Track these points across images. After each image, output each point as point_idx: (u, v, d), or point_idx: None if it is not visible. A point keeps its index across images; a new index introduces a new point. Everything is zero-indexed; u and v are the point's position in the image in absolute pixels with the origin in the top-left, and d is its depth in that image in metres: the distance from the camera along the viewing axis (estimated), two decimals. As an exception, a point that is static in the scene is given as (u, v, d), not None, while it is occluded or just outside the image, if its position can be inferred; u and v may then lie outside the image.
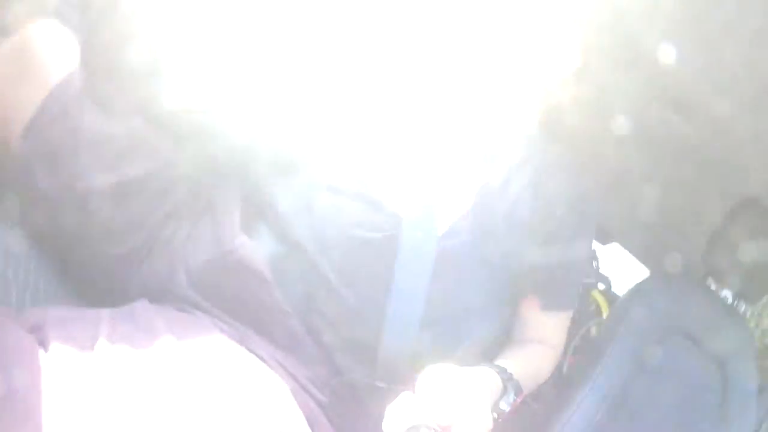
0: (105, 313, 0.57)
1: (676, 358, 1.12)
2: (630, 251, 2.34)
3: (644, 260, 2.17)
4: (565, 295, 0.83)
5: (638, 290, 1.22)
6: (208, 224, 0.71)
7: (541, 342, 0.81)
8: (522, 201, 0.73)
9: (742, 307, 1.38)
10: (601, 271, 2.44)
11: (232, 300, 0.66)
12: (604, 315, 2.18)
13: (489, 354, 0.75)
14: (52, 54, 0.61)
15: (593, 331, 1.37)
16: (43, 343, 0.47)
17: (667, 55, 0.72)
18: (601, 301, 2.28)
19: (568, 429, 0.97)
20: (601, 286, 2.12)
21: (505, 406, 0.62)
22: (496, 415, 0.60)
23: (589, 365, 1.13)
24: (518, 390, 0.64)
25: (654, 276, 1.27)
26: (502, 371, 0.64)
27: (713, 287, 1.23)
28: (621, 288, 2.33)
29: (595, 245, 2.56)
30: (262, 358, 0.61)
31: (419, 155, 0.72)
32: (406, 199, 0.68)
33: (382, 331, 0.65)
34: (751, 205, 1.20)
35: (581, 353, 1.28)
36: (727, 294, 1.24)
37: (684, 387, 1.11)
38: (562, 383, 1.18)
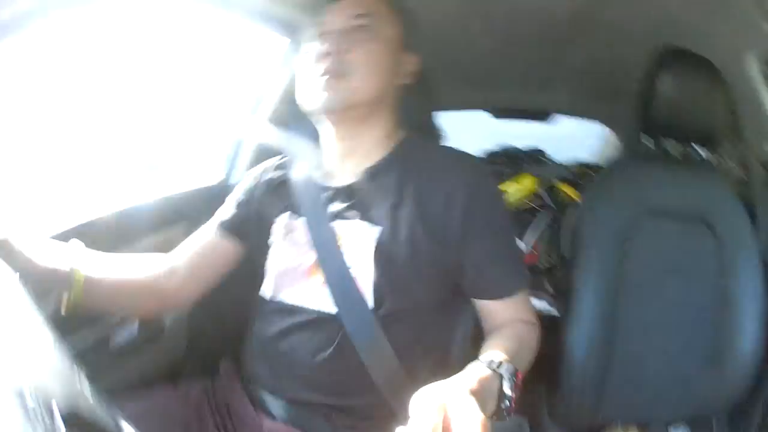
0: None
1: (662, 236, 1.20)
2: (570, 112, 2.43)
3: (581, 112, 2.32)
4: (507, 282, 0.86)
5: (607, 175, 1.32)
6: None
7: (513, 323, 0.84)
8: (415, 231, 0.82)
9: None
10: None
11: None
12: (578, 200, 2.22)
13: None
14: None
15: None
16: None
17: None
18: (571, 192, 2.31)
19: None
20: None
21: (509, 392, 0.63)
22: (508, 403, 0.63)
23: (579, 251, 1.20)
24: (513, 372, 0.65)
25: (617, 161, 1.39)
26: (490, 363, 0.65)
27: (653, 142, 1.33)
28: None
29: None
30: None
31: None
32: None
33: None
34: (679, 54, 1.26)
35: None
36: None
37: (681, 258, 1.20)
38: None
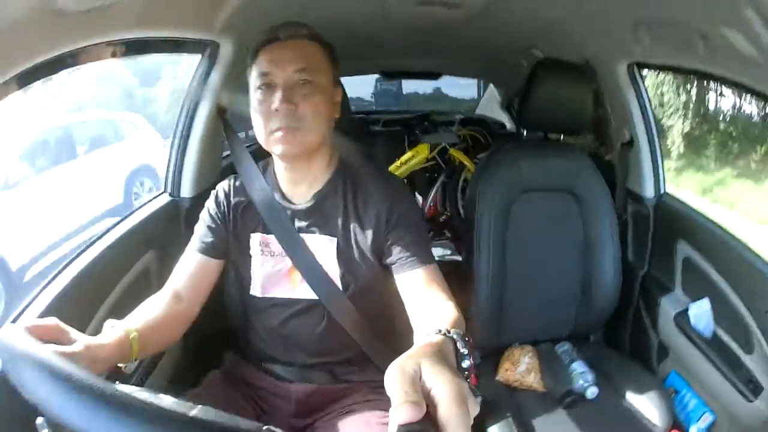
0: None
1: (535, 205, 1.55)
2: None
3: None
4: (421, 255, 1.05)
5: (491, 158, 1.61)
6: None
7: (434, 299, 0.98)
8: (359, 236, 1.07)
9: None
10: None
11: None
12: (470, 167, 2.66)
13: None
14: None
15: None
16: None
17: None
18: (460, 156, 2.80)
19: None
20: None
21: (465, 350, 0.65)
22: (468, 362, 0.65)
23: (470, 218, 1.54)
24: (462, 334, 0.66)
25: (499, 147, 1.63)
26: (438, 330, 0.66)
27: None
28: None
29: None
30: None
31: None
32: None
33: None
34: (553, 64, 1.63)
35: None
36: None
37: (553, 219, 1.57)
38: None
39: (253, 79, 1.02)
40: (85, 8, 0.78)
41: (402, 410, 0.42)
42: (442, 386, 0.45)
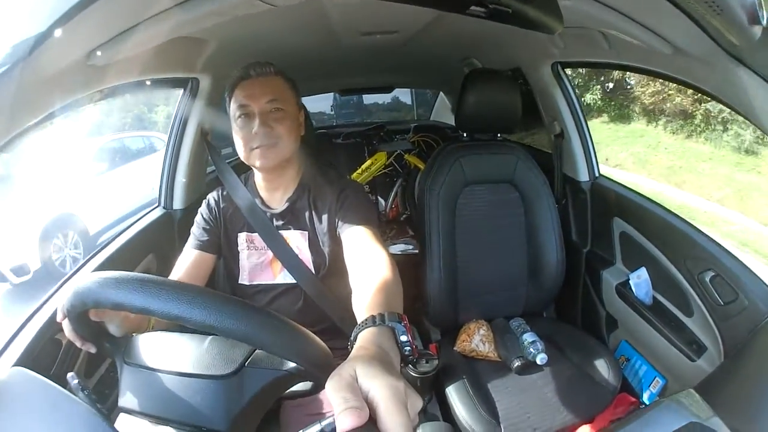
0: None
1: (478, 196, 1.70)
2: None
3: None
4: (361, 217, 1.19)
5: (436, 158, 1.74)
6: None
7: (373, 260, 1.04)
8: (323, 228, 1.26)
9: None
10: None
11: None
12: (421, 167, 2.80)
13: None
14: None
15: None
16: None
17: None
18: (414, 161, 2.95)
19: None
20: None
21: (405, 338, 0.66)
22: (408, 348, 0.66)
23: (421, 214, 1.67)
24: (398, 318, 0.67)
25: (443, 148, 1.76)
26: (374, 322, 0.67)
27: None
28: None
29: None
30: None
31: None
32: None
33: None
34: (476, 70, 1.81)
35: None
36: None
37: (497, 208, 1.70)
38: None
39: (233, 109, 1.23)
40: (108, 62, 0.97)
41: (344, 417, 0.43)
42: (378, 389, 0.46)
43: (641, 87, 8.08)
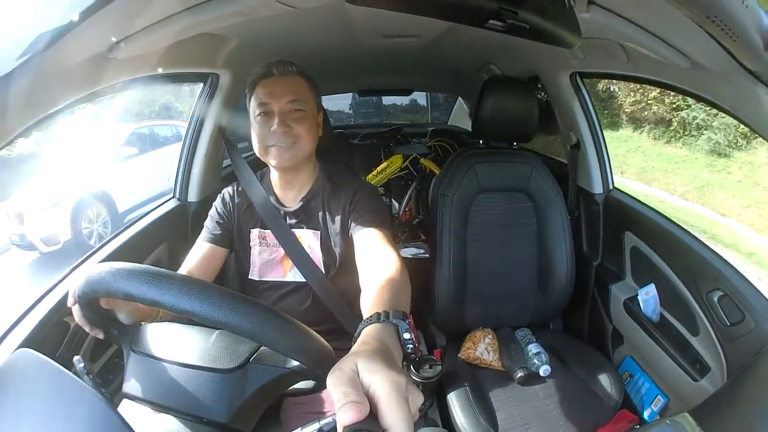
0: None
1: (491, 204, 1.69)
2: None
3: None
4: (374, 219, 1.20)
5: (451, 164, 1.74)
6: None
7: (383, 261, 1.04)
8: (336, 228, 1.26)
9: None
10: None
11: None
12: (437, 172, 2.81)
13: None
14: None
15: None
16: None
17: None
18: (430, 165, 2.95)
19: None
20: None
21: (408, 335, 0.66)
22: (411, 346, 0.66)
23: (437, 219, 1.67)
24: (402, 316, 0.67)
25: (458, 154, 1.76)
26: (378, 318, 0.67)
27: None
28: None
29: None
30: None
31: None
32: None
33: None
34: (495, 78, 1.82)
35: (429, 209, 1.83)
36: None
37: (509, 217, 1.70)
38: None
39: (253, 106, 1.23)
40: (130, 56, 0.99)
41: (345, 411, 0.43)
42: (379, 383, 0.46)
43: (624, 96, 8.50)
